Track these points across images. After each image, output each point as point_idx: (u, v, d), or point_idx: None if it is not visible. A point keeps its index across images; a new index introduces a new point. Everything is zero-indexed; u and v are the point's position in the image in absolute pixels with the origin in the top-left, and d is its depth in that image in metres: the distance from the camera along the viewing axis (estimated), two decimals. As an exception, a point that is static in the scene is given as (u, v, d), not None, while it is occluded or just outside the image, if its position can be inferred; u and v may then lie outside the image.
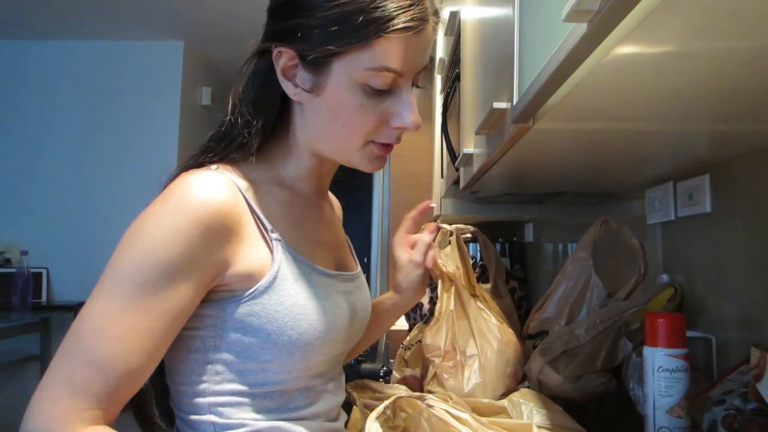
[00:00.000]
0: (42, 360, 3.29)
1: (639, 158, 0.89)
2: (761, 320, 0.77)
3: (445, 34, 1.93)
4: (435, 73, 2.46)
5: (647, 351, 0.76)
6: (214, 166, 0.71)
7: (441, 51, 2.25)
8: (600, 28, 0.42)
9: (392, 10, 0.65)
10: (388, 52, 0.66)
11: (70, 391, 0.59)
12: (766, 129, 0.68)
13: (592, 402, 0.98)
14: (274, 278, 0.68)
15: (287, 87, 0.71)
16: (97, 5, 3.08)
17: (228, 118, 0.74)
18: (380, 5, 0.65)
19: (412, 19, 0.66)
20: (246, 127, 0.72)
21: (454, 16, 1.68)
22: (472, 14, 1.31)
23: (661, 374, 0.74)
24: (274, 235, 0.71)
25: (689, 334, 0.78)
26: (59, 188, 3.52)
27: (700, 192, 0.89)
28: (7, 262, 3.33)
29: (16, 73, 3.60)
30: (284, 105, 0.75)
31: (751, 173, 0.79)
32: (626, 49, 0.43)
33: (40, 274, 3.33)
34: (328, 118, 0.71)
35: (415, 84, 0.72)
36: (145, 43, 3.60)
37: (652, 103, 0.58)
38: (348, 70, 0.67)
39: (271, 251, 0.70)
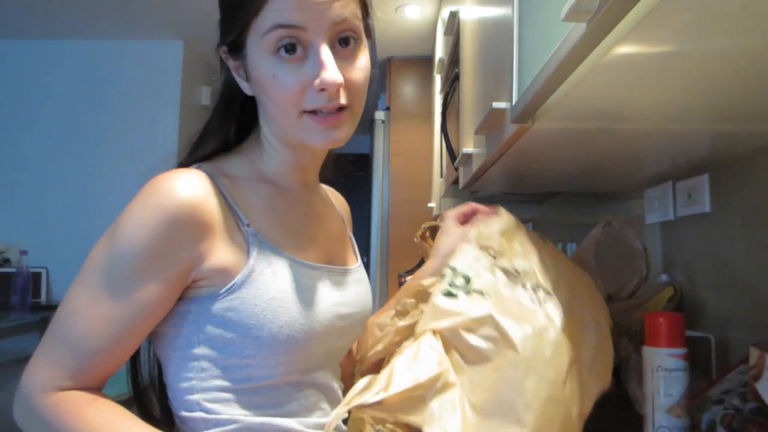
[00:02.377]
0: (41, 360, 3.29)
1: (638, 158, 0.89)
2: (761, 320, 0.77)
3: (445, 34, 1.93)
4: (435, 73, 2.46)
5: (646, 350, 0.76)
6: (194, 165, 0.74)
7: (440, 51, 2.25)
8: (599, 28, 0.42)
9: None
10: (278, 10, 0.65)
11: (49, 364, 0.65)
12: (766, 129, 0.68)
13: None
14: (251, 272, 0.68)
15: (242, 84, 0.74)
16: (97, 5, 3.08)
17: (204, 123, 0.79)
18: None
19: None
20: (218, 129, 0.78)
21: (453, 16, 1.68)
22: (471, 14, 1.31)
23: (660, 374, 0.74)
24: (250, 229, 0.71)
25: (688, 333, 0.78)
26: (59, 188, 3.52)
27: (699, 192, 0.89)
28: (7, 262, 3.33)
29: (15, 73, 3.59)
30: (254, 103, 0.78)
31: (750, 173, 0.79)
32: (625, 49, 0.43)
33: (40, 274, 3.33)
34: (262, 99, 0.73)
35: (337, 44, 0.68)
36: (145, 43, 3.60)
37: (651, 103, 0.58)
38: (254, 44, 0.68)
39: (248, 245, 0.70)
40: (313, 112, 0.68)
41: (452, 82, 1.60)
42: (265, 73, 0.68)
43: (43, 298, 3.34)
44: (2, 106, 3.57)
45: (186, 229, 0.65)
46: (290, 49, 0.66)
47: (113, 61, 3.59)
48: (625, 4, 0.38)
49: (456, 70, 1.54)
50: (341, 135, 0.71)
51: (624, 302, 0.93)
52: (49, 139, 3.54)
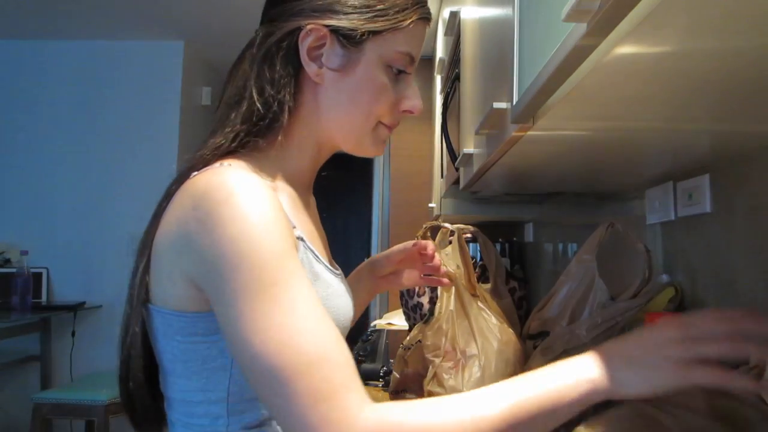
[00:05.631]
0: (42, 360, 3.29)
1: (639, 158, 0.89)
2: (761, 320, 0.77)
3: (445, 34, 1.93)
4: (435, 73, 2.46)
5: (647, 351, 0.76)
6: (226, 163, 0.66)
7: (441, 51, 2.25)
8: (600, 28, 0.42)
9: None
10: (414, 37, 0.74)
11: (326, 398, 0.54)
12: (766, 129, 0.68)
13: (592, 402, 0.98)
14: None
15: (310, 68, 0.72)
16: (97, 5, 3.08)
17: (254, 99, 0.70)
18: None
19: (428, 11, 0.76)
20: (278, 107, 0.70)
21: (454, 16, 1.68)
22: (472, 14, 1.31)
23: (661, 374, 0.73)
24: (297, 232, 0.69)
25: (689, 334, 0.78)
26: (59, 188, 3.52)
27: (700, 192, 0.89)
28: (7, 262, 3.33)
29: (15, 73, 3.59)
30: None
31: (751, 173, 0.79)
32: (626, 49, 0.43)
33: (40, 274, 3.33)
34: (351, 96, 0.73)
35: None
36: (145, 43, 3.60)
37: (652, 103, 0.58)
38: (381, 50, 0.72)
39: (297, 249, 0.66)
40: (385, 125, 0.78)
41: (453, 83, 1.60)
42: (378, 79, 0.73)
43: (44, 298, 3.34)
44: (2, 107, 3.57)
45: (279, 206, 0.61)
46: (403, 71, 0.75)
47: (114, 61, 3.60)
48: (626, 5, 0.38)
49: (456, 70, 1.54)
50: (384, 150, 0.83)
51: (626, 303, 0.93)
52: (49, 140, 3.55)
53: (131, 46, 3.60)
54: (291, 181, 0.76)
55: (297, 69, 0.72)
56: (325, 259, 0.76)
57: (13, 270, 3.08)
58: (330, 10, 0.70)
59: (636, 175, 1.03)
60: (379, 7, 0.71)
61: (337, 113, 0.74)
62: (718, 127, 0.69)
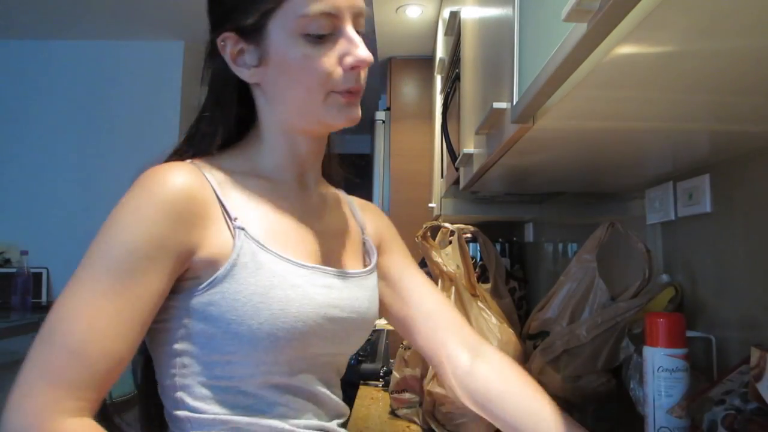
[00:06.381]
0: (42, 360, 3.29)
1: (639, 158, 0.89)
2: (761, 320, 0.77)
3: (445, 34, 1.93)
4: (435, 73, 2.46)
5: (647, 351, 0.76)
6: (188, 160, 0.73)
7: (441, 51, 2.25)
8: (600, 28, 0.42)
9: None
10: None
11: (47, 383, 0.58)
12: (766, 129, 0.68)
13: (592, 402, 0.98)
14: (233, 266, 0.68)
15: (242, 73, 0.74)
16: (97, 5, 3.08)
17: (195, 118, 0.78)
18: None
19: None
20: (210, 123, 0.76)
21: (454, 16, 1.68)
22: (472, 14, 1.31)
23: (661, 374, 0.74)
24: (237, 223, 0.70)
25: (689, 334, 0.78)
26: (59, 188, 3.52)
27: (700, 192, 0.89)
28: (7, 262, 3.33)
29: (15, 73, 3.59)
30: (250, 96, 0.78)
31: (751, 173, 0.79)
32: (626, 49, 0.43)
33: (40, 274, 3.33)
34: (283, 83, 0.72)
35: (355, 29, 0.72)
36: (145, 43, 3.60)
37: (652, 103, 0.58)
38: (283, 26, 0.69)
39: (233, 239, 0.69)
40: (339, 93, 0.71)
41: (453, 83, 1.60)
42: (295, 54, 0.69)
43: (44, 298, 3.34)
44: (2, 106, 3.57)
45: (182, 216, 0.66)
46: (321, 35, 0.69)
47: (113, 61, 3.60)
48: (626, 5, 0.38)
49: (456, 70, 1.54)
50: (358, 114, 0.75)
51: (626, 303, 0.93)
52: (49, 140, 3.54)
53: (131, 46, 3.60)
54: (270, 173, 0.78)
55: (234, 78, 0.75)
56: (287, 251, 0.72)
57: (13, 270, 3.08)
58: (227, 12, 0.72)
59: (636, 175, 1.03)
60: None
61: (282, 103, 0.75)
62: (718, 127, 0.69)
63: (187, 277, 0.68)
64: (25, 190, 3.52)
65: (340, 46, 0.70)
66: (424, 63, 3.29)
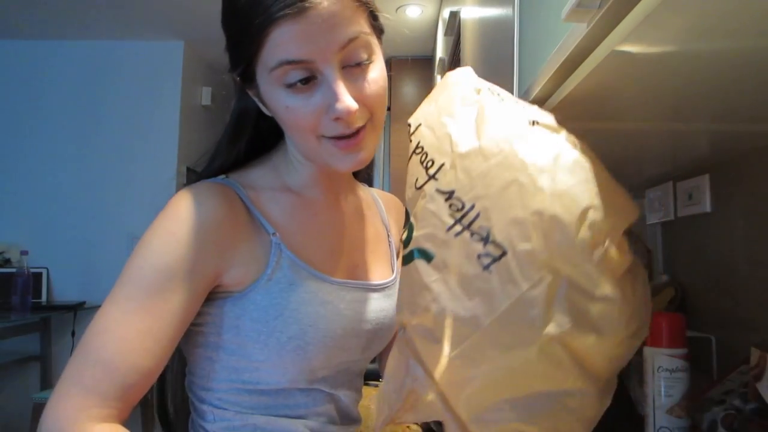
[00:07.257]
0: (42, 360, 3.29)
1: (639, 158, 0.89)
2: (761, 320, 0.77)
3: (445, 34, 1.93)
4: (435, 73, 2.46)
5: (647, 351, 0.76)
6: (221, 176, 0.75)
7: (441, 51, 2.25)
8: (600, 28, 0.42)
9: (269, 3, 0.61)
10: (282, 44, 0.62)
11: (80, 390, 0.61)
12: (766, 129, 0.68)
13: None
14: (268, 280, 0.69)
15: (261, 106, 0.73)
16: (97, 5, 3.08)
17: (220, 136, 0.79)
18: (257, 2, 0.62)
19: (286, 5, 0.61)
20: (233, 142, 0.78)
21: (453, 16, 1.68)
22: (472, 14, 1.31)
23: (661, 374, 0.74)
24: (275, 238, 0.71)
25: (689, 334, 0.78)
26: (59, 188, 3.52)
27: (700, 192, 0.89)
28: (7, 262, 3.32)
29: (15, 73, 3.59)
30: None
31: (751, 173, 0.79)
32: (626, 49, 0.43)
33: (40, 274, 3.33)
34: (283, 126, 0.71)
35: (346, 65, 0.65)
36: (145, 43, 3.60)
37: (652, 103, 0.58)
38: (263, 77, 0.66)
39: (269, 254, 0.71)
40: (331, 139, 0.67)
41: (452, 82, 1.59)
42: (278, 105, 0.67)
43: (44, 298, 3.34)
44: (2, 107, 3.57)
45: (211, 241, 0.67)
46: (301, 81, 0.64)
47: (113, 61, 3.60)
48: (626, 5, 0.38)
49: (456, 70, 1.54)
50: (365, 156, 0.71)
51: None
52: (49, 140, 3.54)
53: (131, 46, 3.60)
54: (300, 189, 0.78)
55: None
56: (319, 266, 0.74)
57: (13, 270, 3.08)
58: (229, 59, 0.70)
59: (636, 175, 1.03)
60: (234, 38, 0.66)
61: (292, 142, 0.75)
62: (718, 127, 0.69)
63: (220, 290, 0.70)
64: (25, 190, 3.52)
65: (321, 94, 0.64)
66: (423, 63, 3.30)
